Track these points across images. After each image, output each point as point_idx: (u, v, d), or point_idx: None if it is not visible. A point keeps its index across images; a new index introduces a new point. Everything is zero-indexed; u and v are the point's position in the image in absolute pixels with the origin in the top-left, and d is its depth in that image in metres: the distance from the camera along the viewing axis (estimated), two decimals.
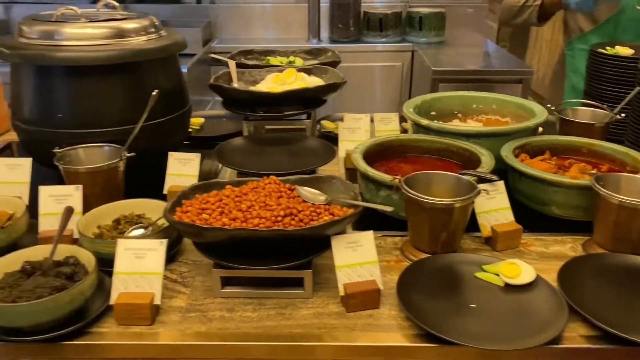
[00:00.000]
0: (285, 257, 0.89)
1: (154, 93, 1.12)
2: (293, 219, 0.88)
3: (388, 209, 0.93)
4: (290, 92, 1.24)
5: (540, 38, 4.50)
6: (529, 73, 2.75)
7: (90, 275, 0.84)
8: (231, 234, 0.85)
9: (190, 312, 0.87)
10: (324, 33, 3.24)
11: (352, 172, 1.30)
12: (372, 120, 1.47)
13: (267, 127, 1.41)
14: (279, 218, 0.88)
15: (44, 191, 1.05)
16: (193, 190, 0.99)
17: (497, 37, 4.02)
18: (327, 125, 1.60)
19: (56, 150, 1.13)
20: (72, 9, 1.21)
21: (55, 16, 1.21)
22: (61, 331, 0.80)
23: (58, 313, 0.80)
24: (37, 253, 0.90)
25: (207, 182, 1.01)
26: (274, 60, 1.58)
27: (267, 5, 3.28)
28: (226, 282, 0.91)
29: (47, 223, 1.05)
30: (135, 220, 1.05)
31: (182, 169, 1.23)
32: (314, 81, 1.32)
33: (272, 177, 1.02)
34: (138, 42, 1.22)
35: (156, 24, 1.28)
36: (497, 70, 2.79)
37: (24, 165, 1.17)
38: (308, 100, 1.30)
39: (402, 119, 1.49)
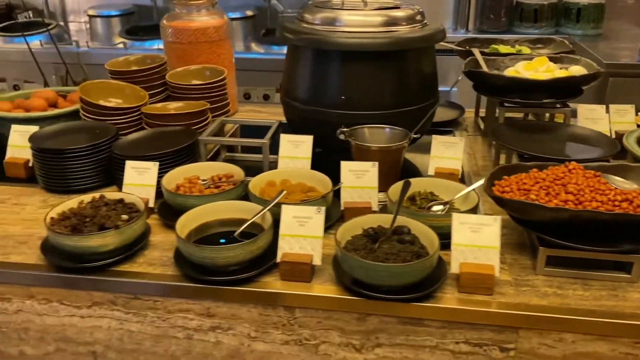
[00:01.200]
0: (605, 240, 0.92)
1: (459, 77, 1.19)
2: (630, 204, 0.91)
3: None
4: (556, 80, 1.26)
5: None
6: None
7: (438, 246, 0.91)
8: (573, 214, 0.89)
9: (522, 287, 0.93)
10: (470, 23, 3.22)
11: None
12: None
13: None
14: (617, 203, 0.91)
15: (345, 166, 1.15)
16: (501, 172, 1.04)
17: None
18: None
19: (343, 129, 1.23)
20: None
21: (341, 3, 1.30)
22: (418, 293, 0.88)
23: (419, 276, 0.88)
24: (371, 220, 0.99)
25: (511, 164, 1.06)
26: (502, 48, 1.61)
27: None
28: (546, 260, 0.96)
29: (348, 195, 1.15)
30: (430, 198, 1.12)
31: (445, 152, 1.29)
32: (577, 70, 1.33)
33: (573, 162, 1.05)
34: (409, 30, 1.29)
35: (421, 11, 1.34)
36: None
37: (306, 142, 1.28)
38: (566, 89, 1.31)
39: None
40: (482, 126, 1.63)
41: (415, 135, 1.19)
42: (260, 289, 0.93)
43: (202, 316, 0.96)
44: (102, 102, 1.40)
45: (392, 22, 1.28)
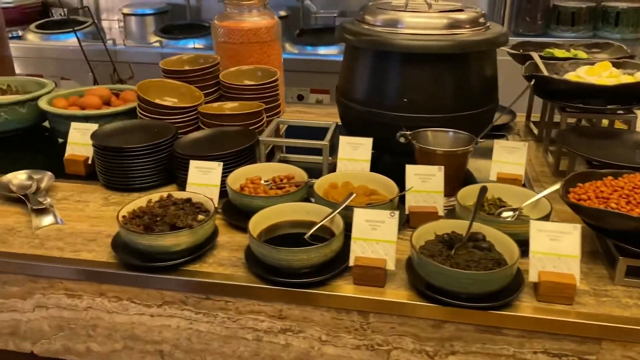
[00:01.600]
0: None
1: (531, 82, 1.17)
2: None
3: None
4: (624, 86, 1.23)
5: None
6: None
7: (518, 254, 0.89)
8: None
9: (601, 297, 0.91)
10: (505, 26, 3.19)
11: None
12: None
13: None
14: None
15: (410, 170, 1.14)
16: (575, 179, 1.02)
17: None
18: None
19: (404, 132, 1.22)
20: None
21: (404, 5, 1.29)
22: (498, 301, 0.87)
23: (501, 284, 0.87)
24: (444, 226, 0.98)
25: (584, 171, 1.04)
26: (557, 52, 1.58)
27: None
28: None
29: (413, 199, 1.13)
30: (498, 203, 1.11)
31: (508, 157, 1.27)
32: None
33: None
34: (472, 32, 1.27)
35: (483, 13, 1.32)
36: None
37: (365, 145, 1.27)
38: (633, 95, 1.29)
39: None
40: (535, 131, 1.61)
41: (481, 140, 1.18)
42: (333, 292, 0.93)
43: (273, 318, 0.96)
44: (158, 101, 1.41)
45: (455, 24, 1.26)
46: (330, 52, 2.94)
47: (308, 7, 3.33)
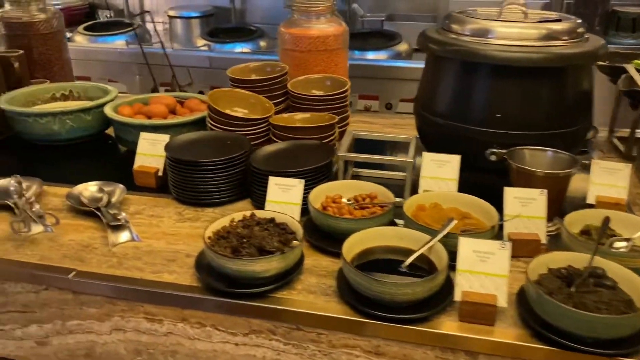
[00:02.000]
0: None
1: None
2: None
3: None
4: None
5: None
6: None
7: None
8: None
9: None
10: None
11: None
12: None
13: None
14: None
15: (509, 193, 1.05)
16: None
17: None
18: None
19: (495, 149, 1.13)
20: (517, 6, 1.20)
21: (498, 13, 1.21)
22: (629, 348, 0.78)
23: (633, 329, 0.78)
24: (557, 259, 0.90)
25: None
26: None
27: None
28: None
29: (512, 225, 1.05)
30: (608, 232, 1.01)
31: (608, 179, 1.17)
32: None
33: None
34: (570, 44, 1.18)
35: (579, 22, 1.23)
36: None
37: (452, 162, 1.19)
38: None
39: None
40: (621, 147, 1.50)
41: (586, 161, 1.09)
42: (437, 329, 0.85)
43: (369, 354, 0.89)
44: (229, 112, 1.36)
45: (553, 35, 1.17)
46: (378, 57, 2.86)
47: (355, 10, 3.26)
